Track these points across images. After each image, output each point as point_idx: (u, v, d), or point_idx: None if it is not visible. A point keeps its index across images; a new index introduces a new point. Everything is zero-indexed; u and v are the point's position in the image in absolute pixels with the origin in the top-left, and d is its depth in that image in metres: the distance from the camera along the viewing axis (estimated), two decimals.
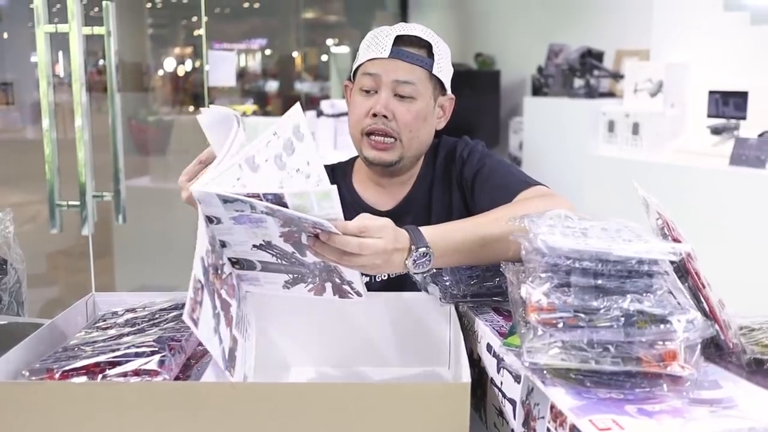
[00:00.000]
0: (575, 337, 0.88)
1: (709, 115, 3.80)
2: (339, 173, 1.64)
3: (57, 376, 0.98)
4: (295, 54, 9.04)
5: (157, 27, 7.82)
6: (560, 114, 4.79)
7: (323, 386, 0.97)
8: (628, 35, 5.01)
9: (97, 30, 2.10)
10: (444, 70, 1.51)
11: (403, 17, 8.32)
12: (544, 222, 0.98)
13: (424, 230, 1.17)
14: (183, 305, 0.97)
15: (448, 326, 1.27)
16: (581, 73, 4.81)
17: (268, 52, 9.48)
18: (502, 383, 1.02)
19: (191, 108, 6.30)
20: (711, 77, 3.99)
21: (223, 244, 1.10)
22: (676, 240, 1.03)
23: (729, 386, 0.91)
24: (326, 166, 1.69)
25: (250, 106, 6.60)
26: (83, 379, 0.98)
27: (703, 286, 1.02)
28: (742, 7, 4.29)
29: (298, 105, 1.09)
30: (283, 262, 1.13)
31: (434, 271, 1.22)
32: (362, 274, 1.16)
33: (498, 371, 1.04)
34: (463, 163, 1.55)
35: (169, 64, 7.54)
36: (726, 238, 3.29)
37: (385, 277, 1.49)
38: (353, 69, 1.55)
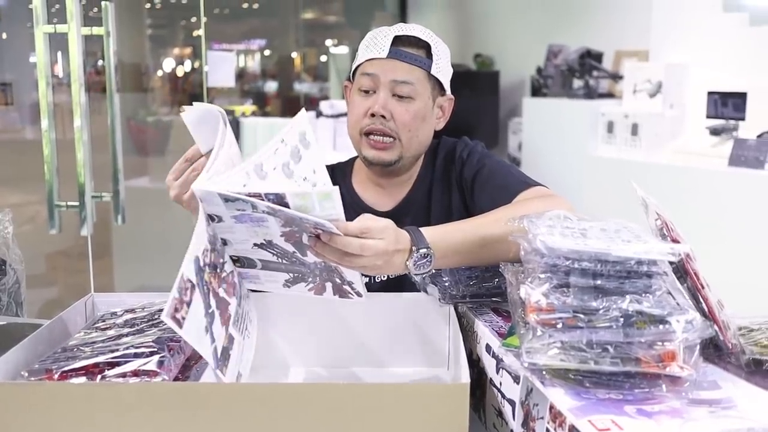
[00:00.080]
0: (574, 338, 0.88)
1: (708, 116, 3.80)
2: (338, 174, 1.64)
3: (56, 376, 0.98)
4: (294, 54, 9.04)
5: (156, 27, 7.81)
6: (559, 115, 4.79)
7: (322, 387, 0.97)
8: (627, 36, 5.01)
9: (96, 30, 2.10)
10: (443, 71, 1.51)
11: (403, 18, 8.32)
12: (544, 222, 0.98)
13: (425, 231, 1.17)
14: None
15: (448, 327, 1.27)
16: (580, 73, 4.81)
17: (267, 52, 9.48)
18: (501, 384, 1.02)
19: None
20: (710, 78, 3.99)
21: (225, 242, 1.10)
22: (675, 240, 1.03)
23: (728, 387, 0.91)
24: (326, 167, 1.69)
25: (249, 107, 6.60)
26: (82, 379, 0.98)
27: (702, 287, 1.02)
28: (741, 8, 4.29)
29: (303, 111, 1.09)
30: (284, 262, 1.13)
31: (433, 271, 1.22)
32: (362, 275, 1.16)
33: (497, 372, 1.04)
34: (463, 164, 1.55)
35: (168, 64, 7.54)
36: (725, 238, 3.29)
37: (385, 278, 1.49)
38: (352, 69, 1.55)
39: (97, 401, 0.92)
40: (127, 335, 1.10)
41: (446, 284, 1.25)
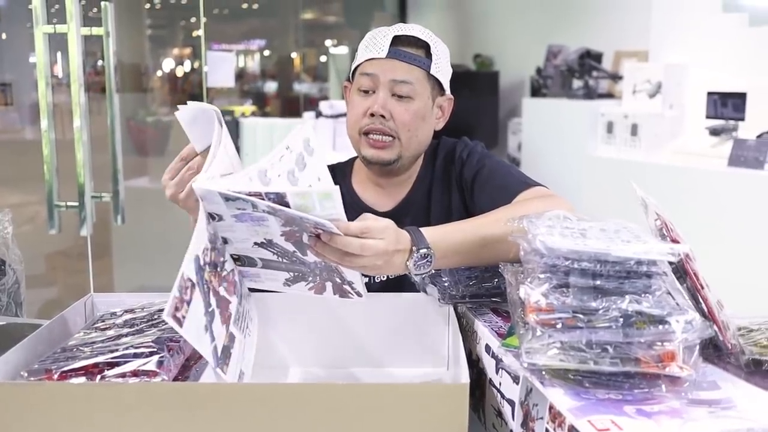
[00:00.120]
0: (574, 338, 0.88)
1: (708, 116, 3.80)
2: (338, 174, 1.64)
3: (55, 376, 0.98)
4: (293, 55, 9.04)
5: (155, 28, 7.82)
6: (559, 115, 4.79)
7: (322, 387, 0.97)
8: (626, 36, 5.01)
9: (96, 31, 2.10)
10: (442, 71, 1.51)
11: (402, 18, 8.32)
12: (543, 223, 0.98)
13: (425, 231, 1.17)
14: None
15: (447, 327, 1.27)
16: (580, 74, 4.81)
17: (266, 53, 9.49)
18: (500, 384, 1.02)
19: None
20: (709, 78, 3.99)
21: (225, 241, 1.10)
22: (674, 241, 1.04)
23: (727, 387, 0.91)
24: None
25: (248, 107, 6.61)
26: (82, 379, 0.98)
27: (702, 287, 1.02)
28: (741, 8, 4.29)
29: (307, 118, 1.08)
30: (284, 261, 1.13)
31: (433, 272, 1.22)
32: (362, 275, 1.16)
33: (497, 372, 1.04)
34: (463, 164, 1.55)
35: (167, 64, 7.54)
36: (724, 238, 3.29)
37: (384, 278, 1.49)
38: (352, 69, 1.55)
39: (97, 401, 0.92)
40: (126, 335, 1.10)
41: (446, 284, 1.25)
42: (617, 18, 5.16)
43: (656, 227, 1.07)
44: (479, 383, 1.12)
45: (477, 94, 6.22)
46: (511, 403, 0.98)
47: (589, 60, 4.79)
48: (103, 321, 1.21)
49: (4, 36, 4.49)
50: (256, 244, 1.10)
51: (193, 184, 1.01)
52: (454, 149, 1.58)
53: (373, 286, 1.48)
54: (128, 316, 1.22)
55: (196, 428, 0.92)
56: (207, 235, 1.03)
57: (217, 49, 5.21)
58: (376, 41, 1.48)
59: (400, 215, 1.49)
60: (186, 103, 1.15)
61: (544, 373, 0.90)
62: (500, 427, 1.04)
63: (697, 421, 0.81)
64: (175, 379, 1.04)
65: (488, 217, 1.29)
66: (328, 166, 1.68)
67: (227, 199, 0.98)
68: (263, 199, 0.97)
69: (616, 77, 4.78)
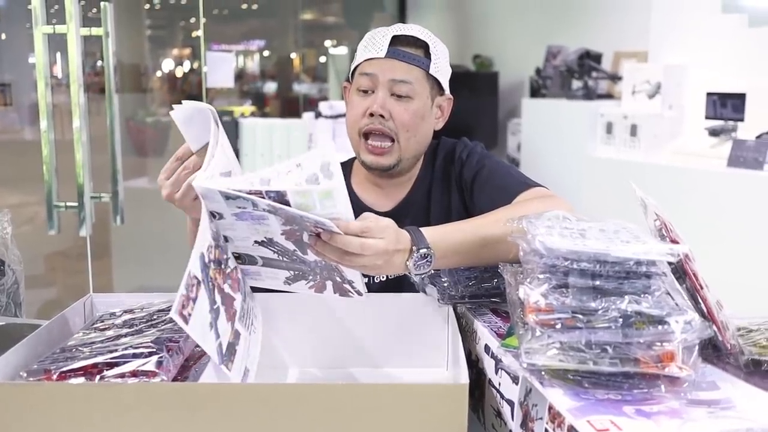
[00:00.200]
0: (573, 338, 0.88)
1: (707, 117, 3.80)
2: None
3: (55, 377, 0.98)
4: (293, 55, 9.04)
5: (155, 28, 7.82)
6: (558, 115, 4.79)
7: (321, 387, 0.97)
8: (626, 37, 5.01)
9: (95, 31, 2.10)
10: (441, 70, 1.51)
11: (402, 18, 8.32)
12: (542, 223, 0.98)
13: (425, 231, 1.17)
14: None
15: (446, 327, 1.27)
16: (579, 74, 4.81)
17: (266, 53, 9.49)
18: (500, 384, 1.02)
19: None
20: (709, 79, 3.99)
21: (226, 239, 1.10)
22: (674, 241, 1.04)
23: (727, 387, 0.91)
24: None
25: (248, 108, 6.61)
26: (81, 380, 0.98)
27: (701, 287, 1.02)
28: (741, 9, 4.29)
29: (331, 145, 1.06)
30: (285, 259, 1.13)
31: (433, 272, 1.22)
32: (361, 274, 1.16)
33: (496, 372, 1.04)
34: (462, 165, 1.55)
35: (167, 65, 7.54)
36: (724, 239, 3.29)
37: (384, 279, 1.49)
38: (351, 70, 1.55)
39: (96, 401, 0.92)
40: (125, 336, 1.10)
41: (445, 285, 1.25)
42: (617, 18, 5.16)
43: (655, 228, 1.07)
44: (479, 383, 1.12)
45: (476, 95, 6.22)
46: (510, 403, 0.98)
47: (589, 60, 4.79)
48: (103, 321, 1.21)
49: (3, 36, 4.49)
50: (256, 242, 1.10)
51: (193, 182, 1.01)
52: (454, 150, 1.58)
53: (372, 287, 1.48)
54: (127, 317, 1.21)
55: (196, 428, 0.92)
56: (210, 232, 1.03)
57: (217, 50, 5.20)
58: (375, 41, 1.48)
59: (399, 215, 1.49)
60: (181, 103, 1.15)
61: (543, 373, 0.90)
62: (500, 427, 1.04)
63: (696, 422, 0.81)
64: (175, 379, 1.04)
65: (488, 217, 1.29)
66: None
67: (227, 197, 0.99)
68: (263, 198, 0.97)
69: (615, 78, 4.78)
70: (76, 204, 2.14)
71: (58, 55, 3.57)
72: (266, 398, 0.92)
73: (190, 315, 0.92)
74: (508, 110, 6.37)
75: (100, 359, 1.00)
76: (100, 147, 2.21)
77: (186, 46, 7.97)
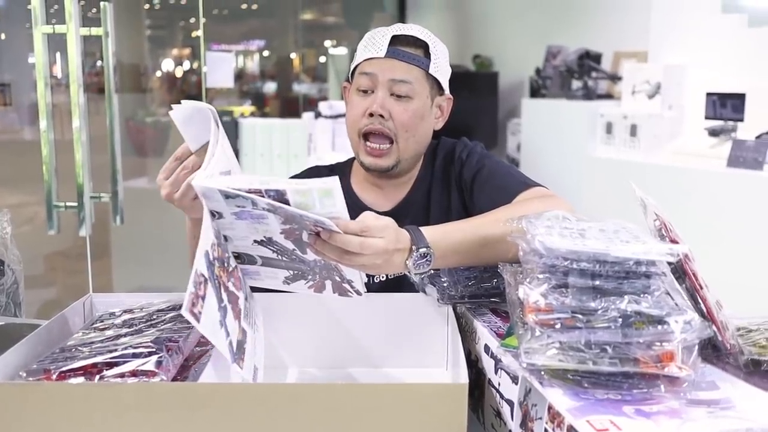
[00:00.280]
0: (573, 338, 0.88)
1: (707, 117, 3.80)
2: (337, 174, 1.63)
3: (54, 377, 0.98)
4: (293, 55, 9.05)
5: (155, 28, 7.82)
6: (558, 116, 4.79)
7: (321, 387, 0.97)
8: (626, 37, 5.02)
9: (95, 31, 2.10)
10: (441, 70, 1.51)
11: (402, 18, 8.32)
12: (542, 223, 0.98)
13: (424, 230, 1.17)
14: (181, 306, 0.96)
15: (446, 327, 1.27)
16: (579, 74, 4.81)
17: (266, 53, 9.49)
18: (499, 384, 1.02)
19: None
20: (709, 79, 3.99)
21: (225, 239, 1.11)
22: (673, 241, 1.04)
23: (726, 387, 0.91)
24: (324, 167, 1.70)
25: (248, 108, 6.61)
26: (80, 379, 0.98)
27: (701, 287, 1.02)
28: (740, 9, 4.29)
29: (337, 180, 1.00)
30: (284, 259, 1.13)
31: (432, 271, 1.22)
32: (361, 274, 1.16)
33: (496, 372, 1.04)
34: (462, 165, 1.55)
35: (167, 65, 7.54)
36: (723, 239, 3.29)
37: (383, 278, 1.49)
38: (351, 69, 1.55)
39: (96, 401, 0.92)
40: (125, 335, 1.10)
41: (445, 285, 1.25)
42: (617, 18, 5.16)
43: (655, 227, 1.07)
44: (478, 383, 1.12)
45: (476, 95, 6.22)
46: (510, 403, 0.98)
47: (589, 61, 4.79)
48: (102, 321, 1.21)
49: (3, 36, 4.49)
50: (255, 241, 1.10)
51: (193, 181, 1.01)
52: (454, 149, 1.58)
53: (372, 287, 1.48)
54: (127, 317, 1.21)
55: (195, 428, 0.92)
56: (213, 231, 1.03)
57: (217, 50, 5.20)
58: (375, 41, 1.48)
59: (399, 216, 1.49)
60: (180, 103, 1.15)
61: (543, 373, 0.89)
62: (499, 427, 1.03)
63: (695, 422, 0.81)
64: (174, 379, 1.04)
65: (488, 217, 1.29)
66: (328, 167, 1.69)
67: (227, 196, 0.99)
68: (263, 197, 0.97)
69: (615, 78, 4.78)
70: (75, 204, 2.13)
71: (58, 55, 3.57)
72: (266, 398, 0.92)
73: (200, 313, 0.92)
74: (508, 110, 6.37)
75: (99, 359, 1.00)
76: (100, 147, 2.21)
77: (186, 46, 7.98)
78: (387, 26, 1.51)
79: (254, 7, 8.81)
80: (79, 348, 1.06)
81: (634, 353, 0.87)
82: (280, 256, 1.12)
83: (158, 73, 7.01)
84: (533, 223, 0.98)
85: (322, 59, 9.32)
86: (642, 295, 0.90)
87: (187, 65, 7.84)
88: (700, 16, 4.23)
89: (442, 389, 0.95)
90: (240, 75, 8.73)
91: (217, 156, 1.05)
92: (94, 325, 1.19)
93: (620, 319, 0.88)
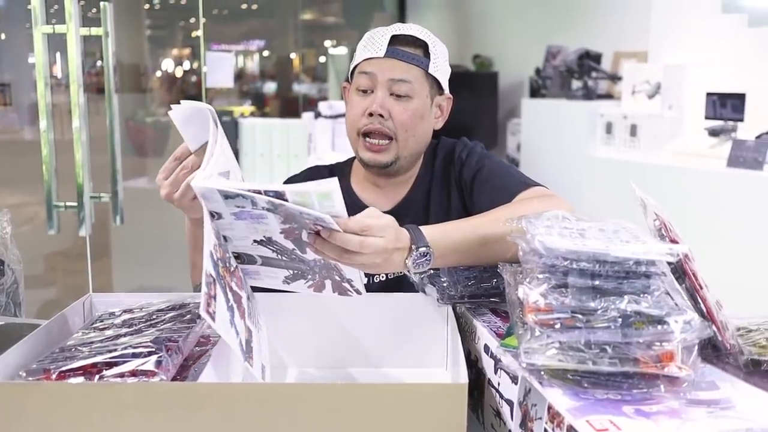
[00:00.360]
0: (572, 338, 0.88)
1: (707, 117, 3.80)
2: (337, 174, 1.64)
3: (54, 376, 0.98)
4: (293, 55, 9.05)
5: (155, 28, 7.82)
6: (558, 116, 4.79)
7: (320, 387, 0.97)
8: (626, 37, 5.02)
9: (95, 31, 2.10)
10: (441, 70, 1.51)
11: (401, 18, 8.33)
12: (542, 223, 0.98)
13: (424, 230, 1.17)
14: (180, 306, 0.97)
15: (446, 327, 1.27)
16: (579, 74, 4.81)
17: (266, 53, 9.49)
18: (499, 384, 1.02)
19: None
20: (709, 79, 4.00)
21: (225, 239, 1.11)
22: (673, 241, 1.04)
23: (726, 387, 0.91)
24: (324, 167, 1.69)
25: (248, 108, 6.61)
26: (80, 379, 0.98)
27: (701, 287, 1.02)
28: (740, 9, 4.29)
29: (335, 182, 0.99)
30: (284, 258, 1.13)
31: (432, 271, 1.22)
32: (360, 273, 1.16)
33: (495, 372, 1.04)
34: (462, 164, 1.55)
35: (167, 65, 7.54)
36: (723, 239, 3.29)
37: (383, 278, 1.49)
38: (350, 69, 1.55)
39: (95, 401, 0.92)
40: (125, 335, 1.10)
41: (444, 285, 1.25)
42: (616, 18, 5.16)
43: (655, 227, 1.07)
44: (478, 383, 1.12)
45: (476, 95, 6.22)
46: (509, 403, 0.98)
47: (589, 61, 4.79)
48: (102, 321, 1.21)
49: (3, 36, 4.49)
50: (255, 241, 1.10)
51: (192, 182, 1.01)
52: (454, 149, 1.58)
53: (372, 287, 1.48)
54: (127, 316, 1.21)
55: (195, 428, 0.92)
56: (214, 232, 1.03)
57: (217, 50, 5.20)
58: (375, 41, 1.48)
59: (399, 215, 1.49)
60: (180, 103, 1.15)
61: (542, 373, 0.89)
62: (499, 427, 1.03)
63: (695, 422, 0.81)
64: (174, 379, 1.04)
65: (487, 216, 1.29)
66: (327, 167, 1.69)
67: (226, 196, 0.98)
68: (262, 195, 0.97)
69: (615, 78, 4.78)
70: (75, 204, 2.13)
71: (58, 55, 3.57)
72: (266, 398, 0.92)
73: (215, 312, 0.92)
74: (508, 110, 6.37)
75: (99, 359, 1.00)
76: (100, 147, 2.21)
77: (186, 46, 7.98)
78: (386, 26, 1.51)
79: (254, 7, 8.81)
80: (79, 348, 1.06)
81: (633, 353, 0.87)
82: (279, 256, 1.12)
83: (158, 73, 7.02)
84: (533, 222, 0.98)
85: (322, 59, 9.33)
86: (642, 295, 0.90)
87: (187, 65, 7.85)
88: (700, 16, 4.23)
89: (442, 389, 0.95)
90: (240, 75, 8.73)
91: (216, 156, 1.05)
92: (94, 325, 1.19)
93: (620, 319, 0.88)
